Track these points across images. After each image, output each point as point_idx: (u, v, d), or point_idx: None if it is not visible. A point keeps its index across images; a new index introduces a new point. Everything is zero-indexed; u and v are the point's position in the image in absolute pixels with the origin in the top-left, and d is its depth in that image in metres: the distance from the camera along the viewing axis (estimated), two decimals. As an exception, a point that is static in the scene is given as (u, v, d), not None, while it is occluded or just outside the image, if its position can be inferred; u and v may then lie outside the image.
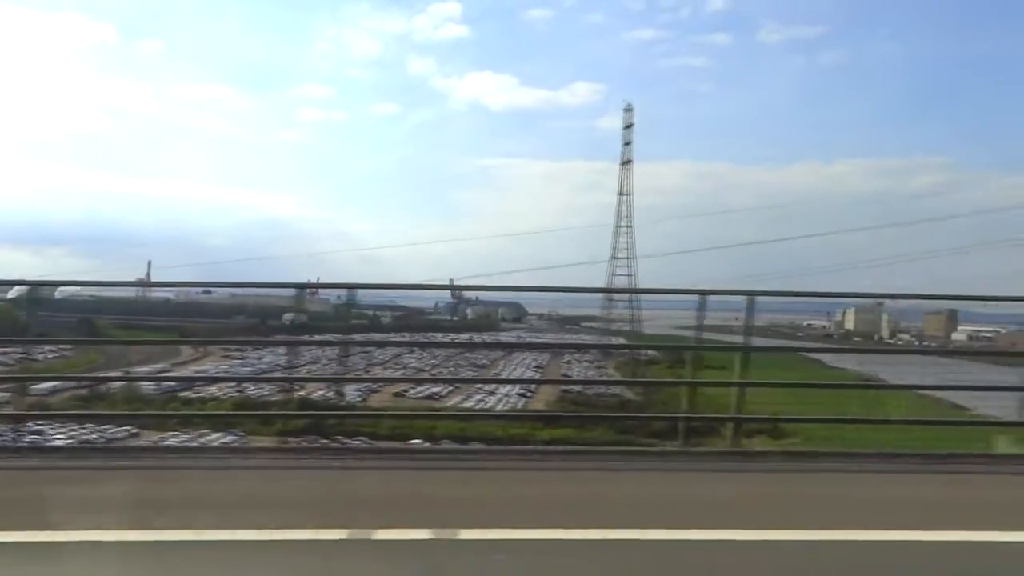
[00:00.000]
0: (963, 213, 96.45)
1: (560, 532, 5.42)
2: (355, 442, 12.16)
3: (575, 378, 27.32)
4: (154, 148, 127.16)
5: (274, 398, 19.79)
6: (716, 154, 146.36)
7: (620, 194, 74.81)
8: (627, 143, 75.59)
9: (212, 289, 43.23)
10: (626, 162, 75.32)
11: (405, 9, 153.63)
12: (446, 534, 5.32)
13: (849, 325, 53.07)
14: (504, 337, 47.51)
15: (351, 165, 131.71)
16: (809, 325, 59.29)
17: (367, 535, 5.31)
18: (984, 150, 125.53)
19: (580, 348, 44.99)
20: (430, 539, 5.26)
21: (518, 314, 59.98)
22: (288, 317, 37.86)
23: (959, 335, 53.89)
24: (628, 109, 76.90)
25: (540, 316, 62.57)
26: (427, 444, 12.30)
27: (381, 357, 27.99)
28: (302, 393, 17.68)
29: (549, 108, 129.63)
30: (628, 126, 75.62)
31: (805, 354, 27.91)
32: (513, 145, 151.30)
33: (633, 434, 12.70)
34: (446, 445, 10.41)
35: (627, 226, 74.09)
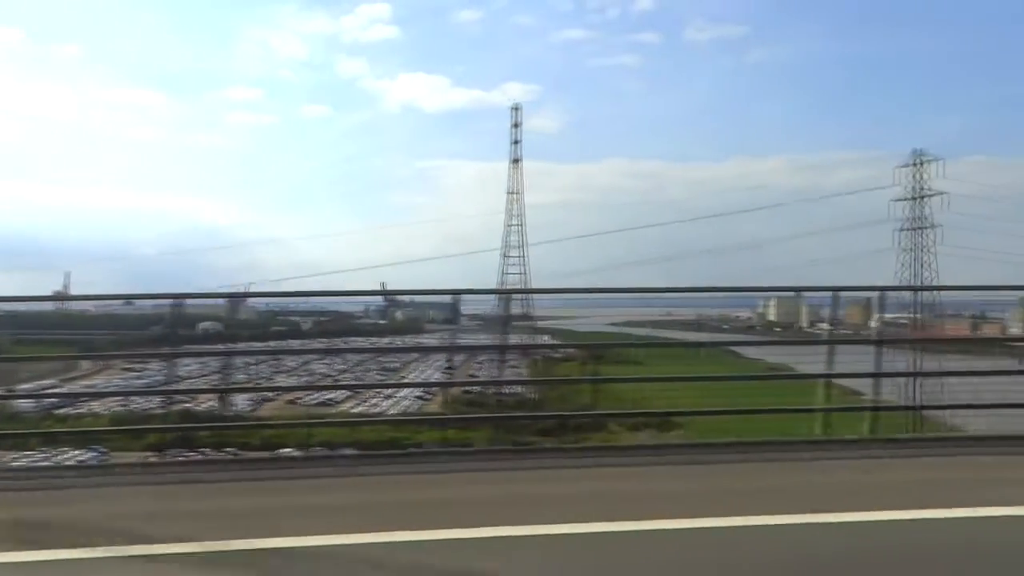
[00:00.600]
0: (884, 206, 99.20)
1: (365, 536, 5.29)
2: (221, 454, 11.81)
3: (481, 379, 27.07)
4: (75, 155, 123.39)
5: (157, 411, 19.35)
6: (651, 152, 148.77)
7: (510, 192, 75.21)
8: (516, 142, 75.62)
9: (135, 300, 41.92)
10: (515, 161, 75.57)
11: (332, 10, 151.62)
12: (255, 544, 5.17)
13: (772, 316, 54.26)
14: (426, 340, 47.05)
15: (284, 169, 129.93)
16: (737, 317, 60.59)
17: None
18: (905, 143, 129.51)
19: (475, 350, 43.98)
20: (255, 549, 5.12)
21: (449, 315, 59.68)
22: (203, 327, 36.97)
23: (875, 323, 55.47)
24: (516, 108, 76.93)
25: (472, 317, 62.39)
26: (298, 453, 12.01)
27: (291, 364, 27.50)
28: (188, 405, 17.30)
29: (483, 109, 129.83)
30: (516, 125, 75.65)
31: (727, 347, 28.40)
32: (449, 146, 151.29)
33: (522, 433, 12.61)
34: (317, 452, 10.16)
35: (518, 224, 74.73)
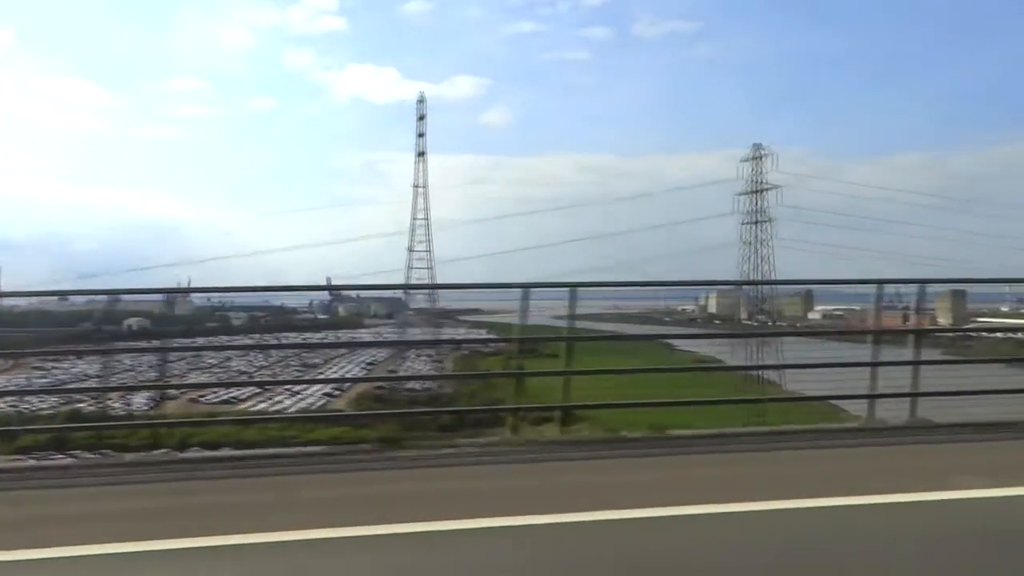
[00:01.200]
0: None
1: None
2: (92, 456, 11.02)
3: (395, 375, 26.49)
4: (9, 144, 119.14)
5: (44, 412, 18.38)
6: (602, 146, 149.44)
7: (415, 186, 74.25)
8: (421, 135, 74.49)
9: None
10: (420, 154, 74.45)
11: (279, 0, 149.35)
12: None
13: (712, 309, 54.66)
14: (362, 335, 46.00)
15: (231, 162, 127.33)
16: (683, 310, 60.96)
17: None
18: (841, 138, 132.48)
19: (392, 344, 43.22)
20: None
21: (392, 310, 58.84)
22: (128, 323, 35.56)
23: (814, 315, 56.61)
24: (421, 100, 75.54)
25: (417, 311, 61.77)
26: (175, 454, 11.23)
27: (211, 361, 26.58)
28: (82, 405, 16.38)
29: (433, 101, 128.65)
30: (421, 117, 74.37)
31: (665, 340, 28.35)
32: (398, 139, 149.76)
33: (424, 429, 12.05)
34: (192, 454, 9.48)
35: (424, 219, 74.13)
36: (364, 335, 43.64)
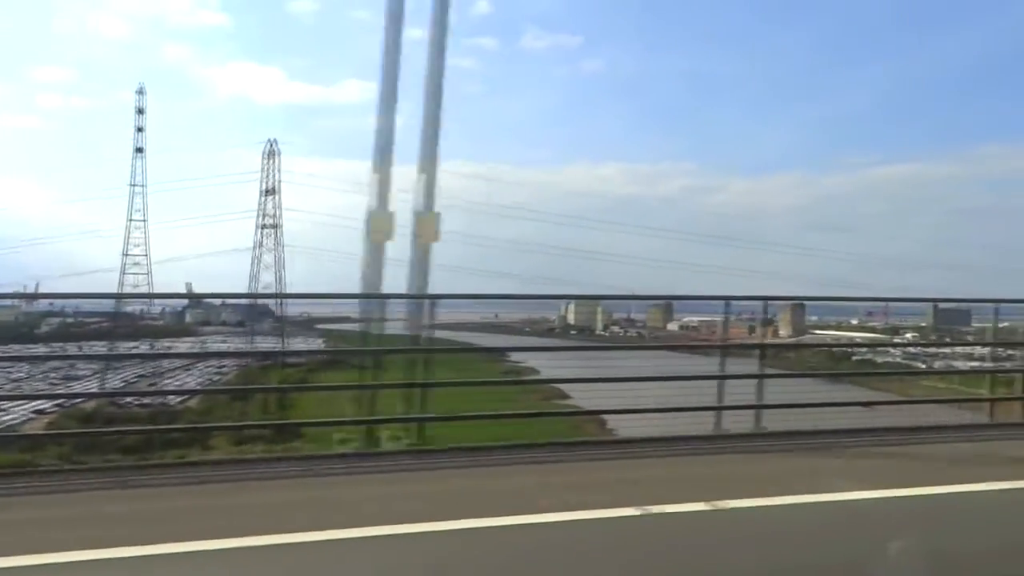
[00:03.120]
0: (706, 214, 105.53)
1: None
2: None
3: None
4: None
5: None
6: (493, 156, 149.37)
7: (132, 185, 69.02)
8: (140, 129, 68.67)
9: None
10: (139, 150, 68.67)
11: None
12: None
13: (571, 319, 55.64)
14: (180, 345, 42.20)
15: (104, 157, 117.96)
16: (545, 319, 61.67)
17: None
18: (723, 157, 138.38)
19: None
20: None
21: (246, 318, 56.33)
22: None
23: (672, 326, 58.74)
24: (140, 91, 69.06)
25: (276, 319, 59.50)
26: None
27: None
28: None
29: (322, 105, 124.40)
30: (140, 111, 68.70)
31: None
32: (286, 143, 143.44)
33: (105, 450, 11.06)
34: None
35: (143, 220, 69.13)
36: (180, 346, 39.66)
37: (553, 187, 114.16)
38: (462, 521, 5.25)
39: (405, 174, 11.78)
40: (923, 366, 19.10)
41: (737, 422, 10.11)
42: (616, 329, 52.61)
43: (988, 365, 11.84)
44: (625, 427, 11.18)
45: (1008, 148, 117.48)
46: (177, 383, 25.59)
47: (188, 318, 53.64)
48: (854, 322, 53.04)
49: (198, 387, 24.09)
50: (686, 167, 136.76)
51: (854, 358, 21.75)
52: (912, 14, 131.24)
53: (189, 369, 28.55)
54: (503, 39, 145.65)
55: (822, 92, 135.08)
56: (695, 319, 56.83)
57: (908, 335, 36.59)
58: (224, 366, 28.49)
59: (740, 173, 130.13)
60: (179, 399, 21.28)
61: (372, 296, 11.33)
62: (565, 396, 15.41)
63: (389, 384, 9.77)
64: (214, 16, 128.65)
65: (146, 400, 16.49)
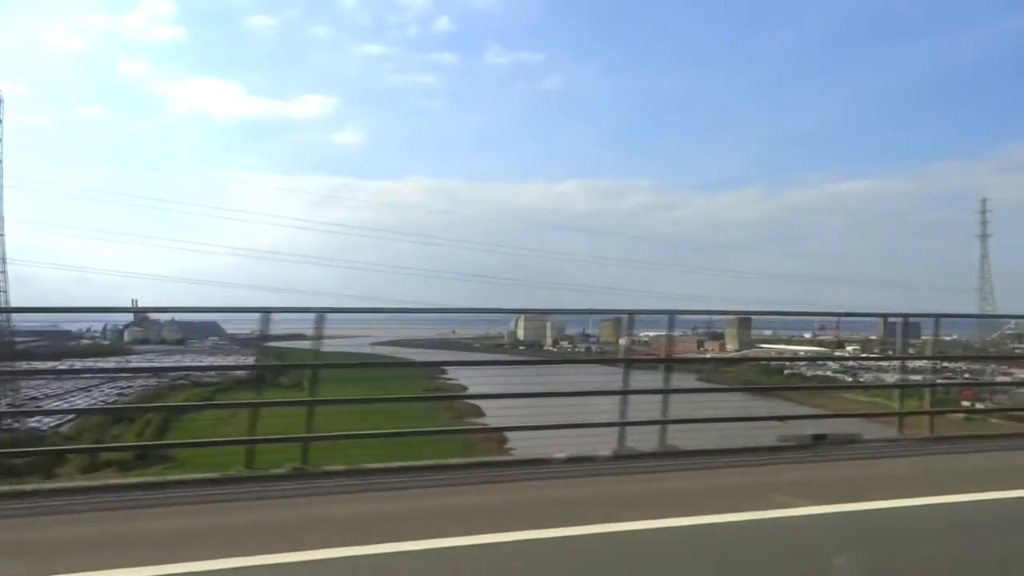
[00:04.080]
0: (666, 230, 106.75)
1: None
2: None
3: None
4: None
5: None
6: (451, 171, 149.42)
7: None
8: None
9: None
10: None
11: (111, 4, 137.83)
12: None
13: (520, 334, 55.31)
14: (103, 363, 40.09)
15: (53, 174, 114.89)
16: (500, 334, 61.25)
17: None
18: (682, 174, 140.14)
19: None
20: None
21: (184, 335, 54.92)
22: None
23: (623, 340, 58.68)
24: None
25: (220, 337, 58.25)
26: None
27: None
28: None
29: (280, 120, 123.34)
30: None
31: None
32: (244, 158, 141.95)
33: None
34: None
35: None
36: (107, 363, 37.46)
37: (511, 203, 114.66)
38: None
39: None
40: (850, 379, 19.03)
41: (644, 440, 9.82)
42: (565, 344, 52.37)
43: (896, 379, 11.71)
44: (536, 445, 10.78)
45: (958, 164, 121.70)
46: (67, 405, 24.41)
47: (127, 336, 52.11)
48: (807, 335, 53.52)
49: (83, 408, 23.03)
50: (645, 183, 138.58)
51: (786, 371, 21.68)
52: (870, 31, 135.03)
53: (90, 391, 27.26)
54: (465, 55, 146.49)
55: (779, 109, 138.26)
56: (651, 333, 56.95)
57: (849, 348, 36.93)
58: (130, 387, 27.39)
59: (698, 189, 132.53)
60: (52, 422, 20.35)
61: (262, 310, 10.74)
62: (481, 414, 14.98)
63: (270, 402, 9.26)
64: (170, 30, 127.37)
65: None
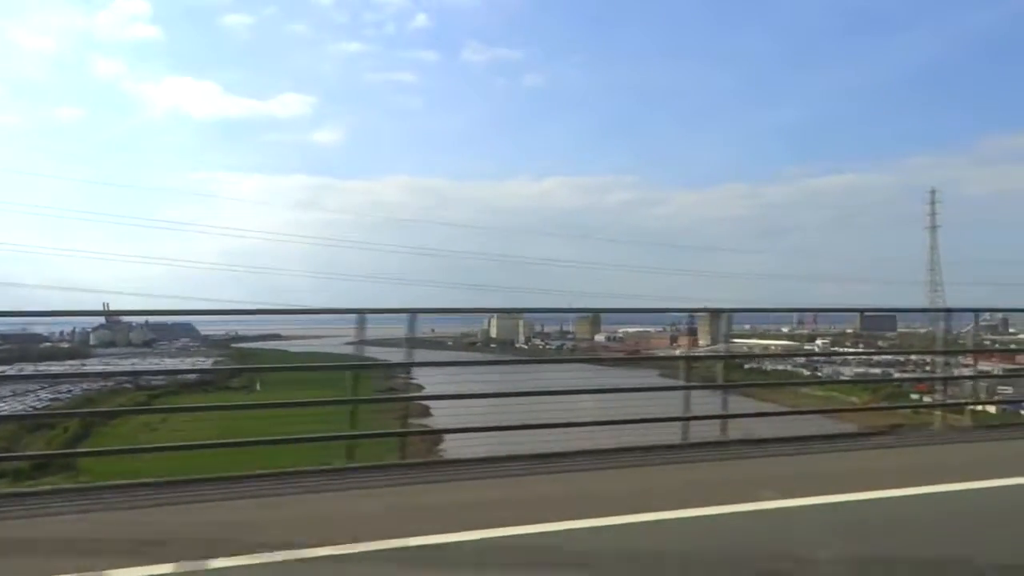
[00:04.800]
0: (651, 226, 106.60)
1: None
2: None
3: None
4: None
5: None
6: (434, 170, 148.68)
7: None
8: None
9: None
10: None
11: (83, 4, 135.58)
12: None
13: (493, 333, 55.00)
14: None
15: (32, 177, 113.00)
16: (474, 332, 60.82)
17: None
18: (665, 170, 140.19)
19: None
20: None
21: (156, 337, 53.99)
22: None
23: (600, 337, 58.84)
24: None
25: (192, 338, 57.42)
26: None
27: None
28: None
29: (260, 119, 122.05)
30: None
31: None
32: (224, 158, 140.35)
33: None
34: None
35: None
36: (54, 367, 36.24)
37: (494, 201, 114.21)
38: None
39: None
40: (807, 374, 18.87)
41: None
42: (537, 342, 52.14)
43: (852, 374, 11.47)
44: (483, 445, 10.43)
45: (935, 159, 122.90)
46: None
47: (92, 340, 51.02)
48: (784, 330, 53.69)
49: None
50: (628, 180, 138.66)
51: (746, 367, 21.43)
52: (850, 26, 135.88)
53: (27, 396, 26.23)
54: (443, 52, 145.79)
55: (762, 105, 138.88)
56: (631, 329, 57.04)
57: (819, 342, 36.90)
58: (69, 392, 26.62)
59: (681, 185, 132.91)
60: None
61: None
62: (428, 414, 14.57)
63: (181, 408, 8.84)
64: (146, 29, 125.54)
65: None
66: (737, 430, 10.39)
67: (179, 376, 26.02)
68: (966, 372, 12.45)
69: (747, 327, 52.78)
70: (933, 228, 73.73)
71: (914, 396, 12.68)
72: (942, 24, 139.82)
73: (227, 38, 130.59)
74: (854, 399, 10.38)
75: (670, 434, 9.90)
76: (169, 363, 40.87)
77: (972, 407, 11.60)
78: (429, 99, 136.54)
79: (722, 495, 6.59)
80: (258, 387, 20.72)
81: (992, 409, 13.44)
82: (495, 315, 51.02)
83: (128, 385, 21.94)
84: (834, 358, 26.08)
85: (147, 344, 50.85)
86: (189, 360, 40.30)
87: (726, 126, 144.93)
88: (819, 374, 18.57)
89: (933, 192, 74.12)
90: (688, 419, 9.51)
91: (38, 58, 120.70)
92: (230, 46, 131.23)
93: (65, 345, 46.33)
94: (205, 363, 37.79)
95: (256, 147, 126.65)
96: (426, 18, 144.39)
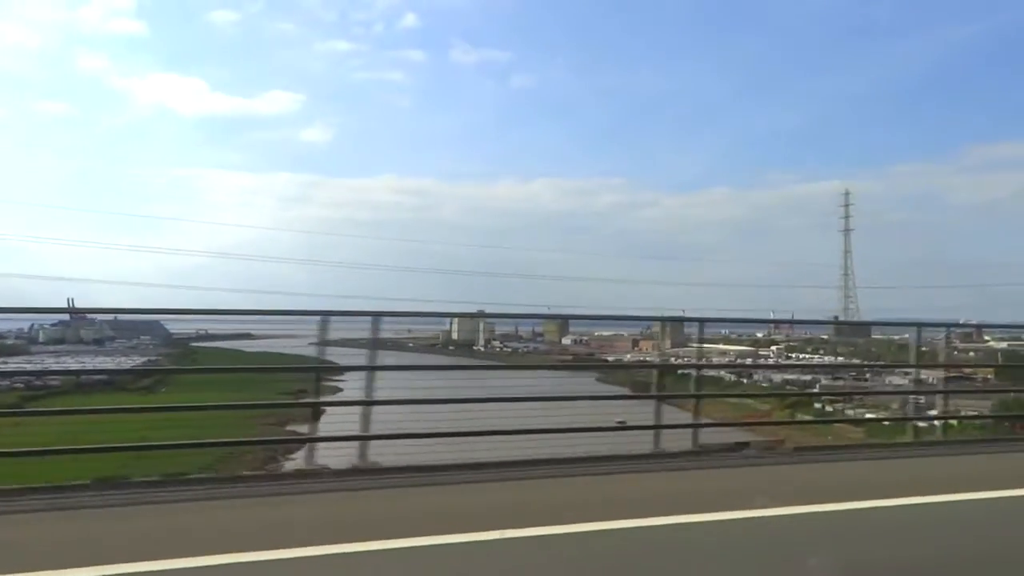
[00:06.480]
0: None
1: None
2: None
3: None
4: None
5: None
6: (422, 170, 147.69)
7: None
8: None
9: None
10: None
11: None
12: None
13: (455, 334, 54.77)
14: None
15: (15, 172, 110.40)
16: (436, 335, 60.32)
17: None
18: (652, 173, 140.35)
19: None
20: None
21: (114, 335, 52.84)
22: None
23: (567, 340, 58.95)
24: None
25: (152, 336, 56.35)
26: None
27: None
28: None
29: (247, 117, 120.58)
30: None
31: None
32: (211, 155, 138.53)
33: None
34: None
35: None
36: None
37: (482, 201, 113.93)
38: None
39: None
40: (733, 380, 18.77)
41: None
42: (496, 344, 52.02)
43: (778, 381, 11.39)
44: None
45: (922, 166, 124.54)
46: None
47: (41, 337, 49.88)
48: (760, 336, 54.04)
49: None
50: (616, 183, 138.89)
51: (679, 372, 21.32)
52: (841, 36, 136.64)
53: None
54: (432, 52, 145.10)
55: (748, 111, 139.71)
56: (607, 332, 57.13)
57: (773, 348, 37.02)
58: None
59: (669, 189, 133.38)
60: None
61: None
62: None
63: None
64: (130, 24, 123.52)
65: None
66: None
67: (82, 376, 25.08)
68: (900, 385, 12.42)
69: (724, 332, 53.18)
70: (847, 232, 72.82)
71: (817, 406, 12.60)
72: (931, 33, 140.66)
73: (213, 35, 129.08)
74: (766, 407, 10.29)
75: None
76: (80, 362, 39.64)
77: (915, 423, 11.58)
78: (418, 99, 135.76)
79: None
80: (163, 389, 20.50)
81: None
82: (457, 318, 50.69)
83: (19, 385, 21.14)
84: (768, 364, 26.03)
85: (98, 342, 49.78)
86: (120, 360, 39.31)
87: (716, 130, 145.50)
88: (743, 381, 18.53)
89: (847, 194, 73.20)
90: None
91: (20, 51, 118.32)
92: (216, 43, 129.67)
93: (9, 342, 45.14)
94: (108, 363, 36.66)
95: (243, 145, 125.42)
96: (415, 18, 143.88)
